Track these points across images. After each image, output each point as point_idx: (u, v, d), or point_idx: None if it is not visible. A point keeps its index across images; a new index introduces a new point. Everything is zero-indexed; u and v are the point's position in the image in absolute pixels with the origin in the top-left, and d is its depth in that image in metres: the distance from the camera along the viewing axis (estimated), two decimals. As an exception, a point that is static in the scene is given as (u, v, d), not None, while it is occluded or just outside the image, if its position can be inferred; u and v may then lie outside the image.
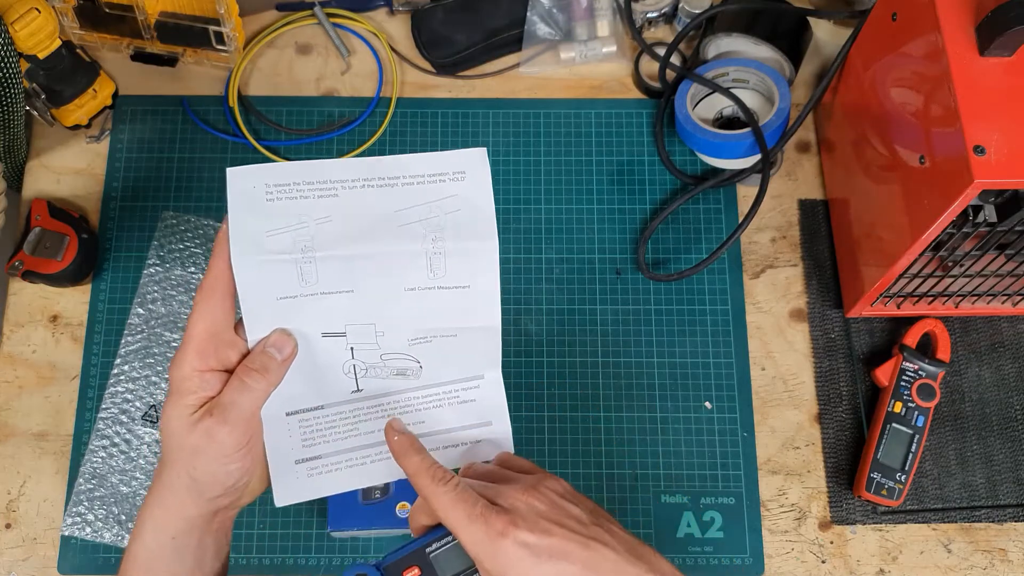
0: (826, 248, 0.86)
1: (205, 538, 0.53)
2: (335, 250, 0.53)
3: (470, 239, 0.54)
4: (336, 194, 0.53)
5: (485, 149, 0.54)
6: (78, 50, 0.84)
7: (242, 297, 0.53)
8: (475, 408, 0.58)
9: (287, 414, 0.56)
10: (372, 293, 0.54)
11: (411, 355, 0.56)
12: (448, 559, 0.52)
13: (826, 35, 0.92)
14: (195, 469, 0.52)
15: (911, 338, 0.81)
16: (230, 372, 0.53)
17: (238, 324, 0.54)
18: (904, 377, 0.80)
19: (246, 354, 0.54)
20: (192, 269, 0.83)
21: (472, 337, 0.57)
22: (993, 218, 0.65)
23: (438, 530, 0.53)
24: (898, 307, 0.80)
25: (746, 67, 0.85)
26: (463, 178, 0.54)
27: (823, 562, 0.78)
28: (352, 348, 0.55)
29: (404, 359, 0.56)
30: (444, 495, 0.50)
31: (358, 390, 0.57)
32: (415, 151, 0.88)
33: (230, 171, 0.52)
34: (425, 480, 0.51)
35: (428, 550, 0.53)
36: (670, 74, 0.89)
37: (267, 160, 0.88)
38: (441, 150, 0.88)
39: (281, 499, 0.56)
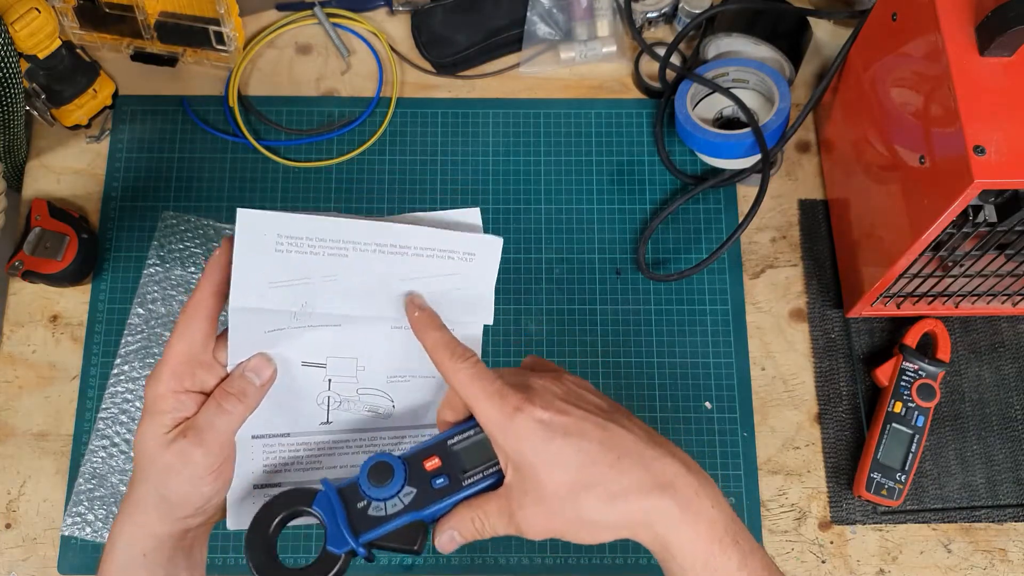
0: (826, 248, 0.86)
1: (176, 555, 0.53)
2: (333, 308, 0.53)
3: (464, 315, 0.54)
4: (346, 255, 0.52)
5: (502, 240, 0.54)
6: (78, 50, 0.84)
7: (232, 333, 0.52)
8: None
9: (253, 437, 0.55)
10: (359, 330, 0.54)
11: (386, 392, 0.56)
12: (469, 452, 0.52)
13: (826, 35, 0.92)
14: (166, 488, 0.51)
15: (911, 338, 0.81)
16: (206, 394, 0.53)
17: (219, 340, 0.53)
18: (904, 377, 0.80)
19: (224, 377, 0.53)
20: (192, 269, 0.83)
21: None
22: (993, 218, 0.65)
23: (461, 425, 0.53)
24: (898, 307, 0.80)
25: (746, 67, 0.85)
26: (471, 259, 0.54)
27: (823, 562, 0.78)
28: (330, 380, 0.55)
29: (379, 396, 0.56)
30: (462, 371, 0.49)
31: (327, 422, 0.56)
32: (415, 151, 0.89)
33: (241, 211, 0.50)
34: (444, 355, 0.50)
35: (450, 443, 0.52)
36: (670, 74, 0.89)
37: (266, 160, 0.88)
38: (441, 151, 0.89)
39: (234, 523, 0.55)
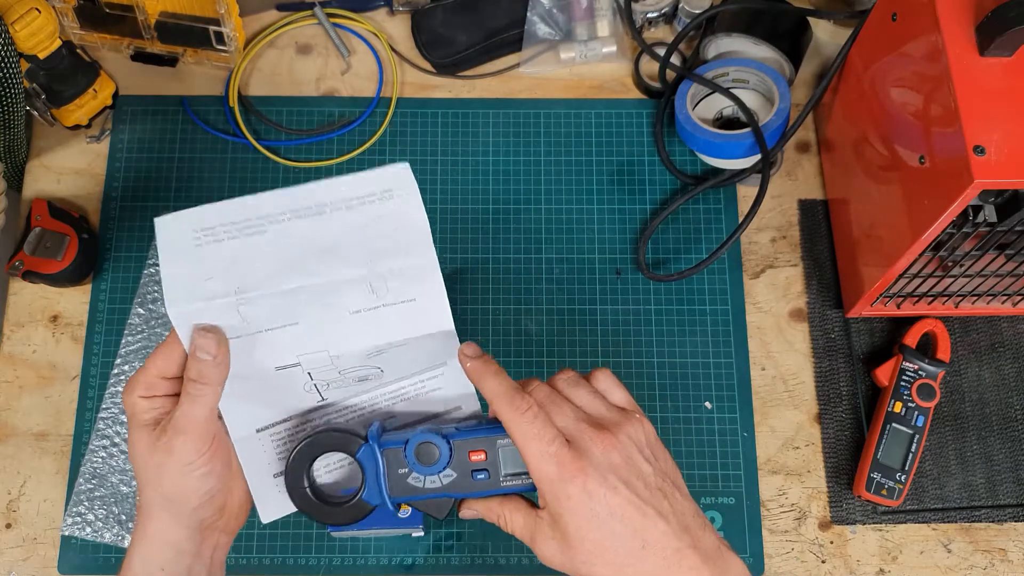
0: (826, 248, 0.86)
1: (195, 566, 0.53)
2: (270, 288, 0.52)
3: (407, 257, 0.53)
4: (264, 230, 0.52)
5: (408, 164, 0.53)
6: (78, 50, 0.84)
7: (185, 344, 0.52)
8: (443, 395, 0.58)
9: (257, 431, 0.55)
10: (318, 322, 0.53)
11: (369, 366, 0.56)
12: (512, 456, 0.53)
13: (826, 35, 0.93)
14: (163, 486, 0.52)
15: (911, 338, 0.81)
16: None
17: None
18: (904, 377, 0.80)
19: None
20: (192, 269, 0.83)
21: (427, 340, 0.56)
22: (993, 218, 0.65)
23: None
24: (898, 307, 0.80)
25: (746, 67, 0.85)
26: (391, 196, 0.53)
27: (823, 562, 0.78)
28: (309, 373, 0.55)
29: (363, 370, 0.56)
30: (521, 424, 0.50)
31: (323, 400, 0.57)
32: (415, 151, 0.89)
33: (158, 221, 0.51)
34: (503, 406, 0.51)
35: (500, 442, 0.54)
36: (670, 74, 0.89)
37: (266, 160, 0.88)
38: (441, 151, 0.89)
39: (266, 515, 0.56)
